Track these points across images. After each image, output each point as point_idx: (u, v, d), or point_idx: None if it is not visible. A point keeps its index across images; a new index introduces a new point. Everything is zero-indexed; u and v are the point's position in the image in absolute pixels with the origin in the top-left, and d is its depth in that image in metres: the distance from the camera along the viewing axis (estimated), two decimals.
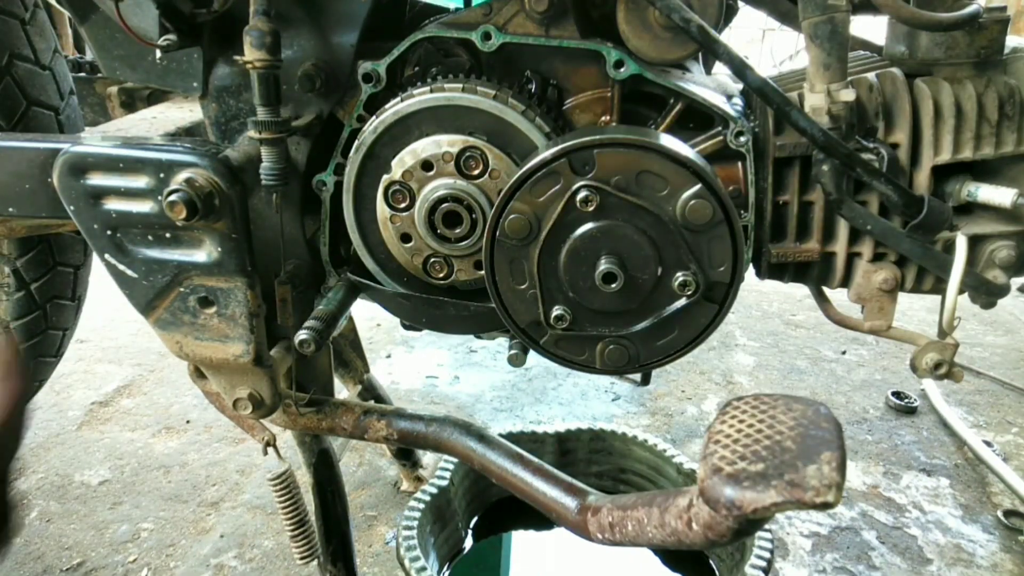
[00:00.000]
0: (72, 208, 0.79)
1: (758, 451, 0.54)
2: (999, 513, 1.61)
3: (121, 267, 0.82)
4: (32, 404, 1.57)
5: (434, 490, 1.23)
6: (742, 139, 0.72)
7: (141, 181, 0.76)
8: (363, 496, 1.66)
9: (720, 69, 0.83)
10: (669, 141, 0.65)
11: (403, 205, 0.77)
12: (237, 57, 0.73)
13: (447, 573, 1.26)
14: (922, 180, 0.73)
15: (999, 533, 1.56)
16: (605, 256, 0.66)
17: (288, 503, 1.09)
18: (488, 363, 2.26)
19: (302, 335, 0.82)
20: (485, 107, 0.72)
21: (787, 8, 0.82)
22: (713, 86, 0.78)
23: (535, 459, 0.87)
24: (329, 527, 1.13)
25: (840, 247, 0.76)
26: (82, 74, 1.35)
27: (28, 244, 1.33)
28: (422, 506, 1.19)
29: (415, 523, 1.15)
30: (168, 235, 0.80)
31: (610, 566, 1.30)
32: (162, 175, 0.75)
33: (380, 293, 0.86)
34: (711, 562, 1.27)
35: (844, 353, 2.39)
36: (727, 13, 0.81)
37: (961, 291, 0.72)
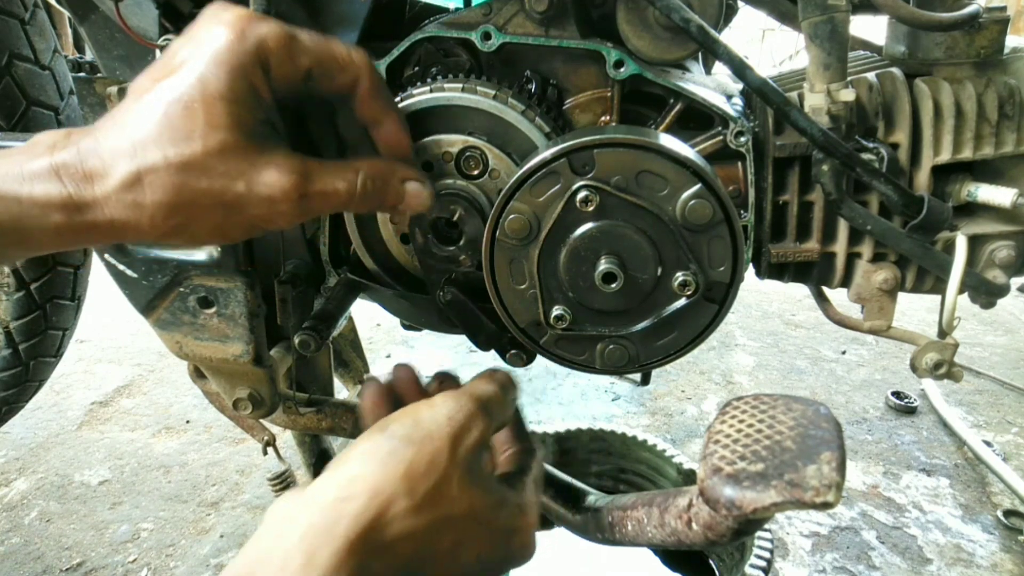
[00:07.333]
0: None
1: (758, 451, 0.54)
2: (999, 513, 1.61)
3: (121, 267, 0.82)
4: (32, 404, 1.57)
5: None
6: (742, 139, 0.72)
7: None
8: None
9: (720, 69, 0.83)
10: (669, 141, 0.65)
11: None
12: None
13: None
14: (922, 180, 0.73)
15: (999, 533, 1.56)
16: (605, 256, 0.66)
17: None
18: (488, 363, 2.26)
19: (302, 335, 0.82)
20: (485, 107, 0.71)
21: (787, 8, 0.82)
22: (713, 86, 0.78)
23: None
24: None
25: (840, 247, 0.76)
26: (82, 74, 1.35)
27: None
28: None
29: None
30: None
31: (610, 566, 1.30)
32: None
33: (380, 293, 0.86)
34: (711, 562, 1.27)
35: (844, 353, 2.39)
36: (727, 13, 0.81)
37: (961, 291, 0.72)
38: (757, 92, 0.67)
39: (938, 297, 0.76)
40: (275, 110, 0.56)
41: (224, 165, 0.52)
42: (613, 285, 0.66)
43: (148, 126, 0.51)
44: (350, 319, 1.34)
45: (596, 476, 1.42)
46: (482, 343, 0.79)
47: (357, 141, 0.65)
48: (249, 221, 0.55)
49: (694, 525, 0.59)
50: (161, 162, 0.51)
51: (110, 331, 2.50)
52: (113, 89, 0.77)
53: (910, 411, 2.02)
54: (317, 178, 0.56)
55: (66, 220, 0.51)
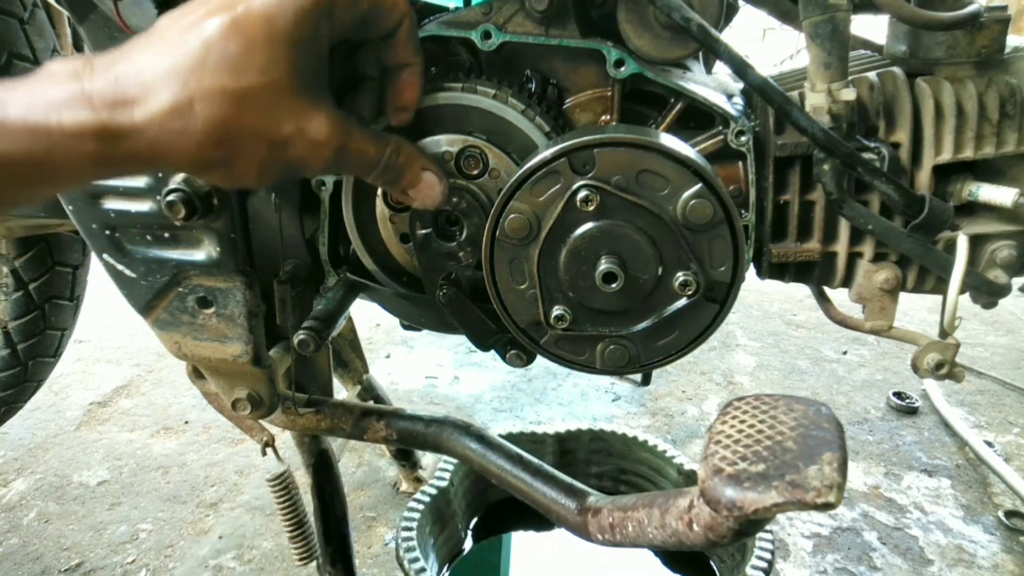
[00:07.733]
0: (70, 207, 0.79)
1: (759, 451, 0.54)
2: (1000, 514, 1.60)
3: (119, 267, 0.81)
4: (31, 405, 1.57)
5: (433, 491, 1.23)
6: (743, 138, 0.72)
7: (140, 180, 0.76)
8: (362, 497, 1.66)
9: (720, 68, 0.83)
10: (669, 140, 0.65)
11: (402, 205, 0.77)
12: None
13: (447, 574, 1.25)
14: (923, 180, 0.73)
15: (1000, 534, 1.56)
16: (605, 256, 0.66)
17: (287, 504, 1.08)
18: (488, 363, 2.26)
19: (301, 335, 0.81)
20: (485, 106, 0.71)
21: (788, 7, 0.82)
22: (714, 85, 0.78)
23: (535, 460, 0.87)
24: (328, 528, 1.13)
25: (841, 247, 0.76)
26: None
27: (27, 244, 1.33)
28: (421, 507, 1.19)
29: (414, 524, 1.15)
30: (167, 235, 0.79)
31: (610, 567, 1.30)
32: (160, 174, 0.74)
33: (379, 293, 0.86)
34: (712, 563, 1.27)
35: (845, 353, 2.39)
36: (728, 12, 0.81)
37: (962, 291, 0.72)
38: (758, 91, 0.67)
39: (939, 297, 0.75)
40: (327, 61, 0.56)
41: (279, 104, 0.52)
42: (613, 285, 0.66)
43: (202, 54, 0.50)
44: (350, 319, 1.34)
45: (596, 477, 1.42)
46: (482, 343, 0.79)
47: (372, 100, 0.67)
48: (288, 163, 0.56)
49: (695, 526, 0.59)
50: (217, 89, 0.50)
51: (109, 331, 2.50)
52: None
53: (911, 411, 2.02)
54: (355, 136, 0.58)
55: (101, 149, 0.49)
